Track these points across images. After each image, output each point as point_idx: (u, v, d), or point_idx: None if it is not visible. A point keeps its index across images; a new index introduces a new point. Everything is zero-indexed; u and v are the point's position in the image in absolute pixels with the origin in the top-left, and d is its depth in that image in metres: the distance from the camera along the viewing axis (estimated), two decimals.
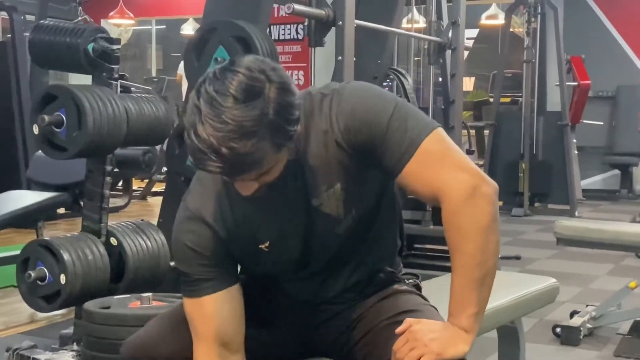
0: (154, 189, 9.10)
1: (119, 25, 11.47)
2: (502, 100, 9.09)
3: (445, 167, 1.47)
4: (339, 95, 1.50)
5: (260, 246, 1.55)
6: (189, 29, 11.60)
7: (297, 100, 1.40)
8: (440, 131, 1.50)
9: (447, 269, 4.38)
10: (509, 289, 2.34)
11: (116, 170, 3.28)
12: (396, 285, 1.68)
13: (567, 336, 3.54)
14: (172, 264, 3.29)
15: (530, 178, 8.11)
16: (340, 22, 3.68)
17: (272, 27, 5.34)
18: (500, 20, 9.32)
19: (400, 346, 1.45)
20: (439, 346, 1.42)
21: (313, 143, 1.49)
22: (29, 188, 5.91)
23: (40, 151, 5.53)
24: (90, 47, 3.02)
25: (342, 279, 1.64)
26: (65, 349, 3.10)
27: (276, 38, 5.65)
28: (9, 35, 7.16)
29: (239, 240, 1.55)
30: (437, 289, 1.80)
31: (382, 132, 1.47)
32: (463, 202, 1.45)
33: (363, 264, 1.64)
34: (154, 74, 12.90)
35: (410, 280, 1.73)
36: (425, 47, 5.46)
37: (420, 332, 1.44)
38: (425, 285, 1.79)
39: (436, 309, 1.63)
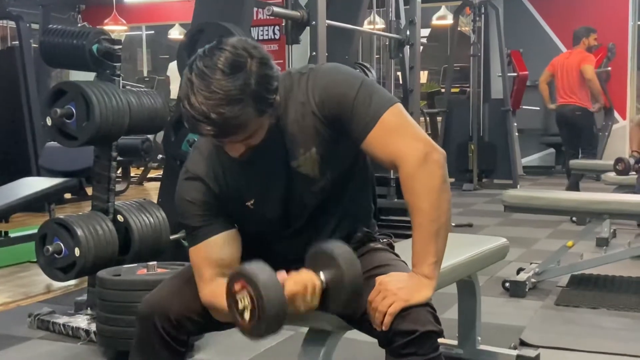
0: (149, 175, 9.06)
1: (113, 31, 11.29)
2: (452, 90, 9.17)
3: (402, 137, 1.50)
4: (314, 73, 1.55)
5: (246, 204, 1.59)
6: (175, 33, 11.49)
7: (276, 72, 1.45)
8: (400, 106, 1.54)
9: (410, 237, 4.42)
10: (466, 248, 2.38)
11: (119, 158, 3.27)
12: (372, 244, 1.71)
13: (515, 289, 3.60)
14: (171, 237, 3.31)
15: (478, 157, 8.19)
16: (314, 22, 3.70)
17: (252, 28, 5.33)
18: (449, 21, 9.36)
19: (374, 297, 1.48)
20: (406, 293, 1.46)
21: (292, 113, 1.54)
22: (39, 175, 5.87)
23: (49, 142, 5.55)
24: (94, 47, 3.00)
25: (325, 237, 1.65)
26: (81, 314, 3.11)
27: (256, 38, 5.64)
28: (16, 42, 7.06)
29: (229, 197, 1.59)
30: (407, 246, 1.83)
31: (350, 104, 1.51)
32: (417, 167, 1.48)
33: (342, 224, 1.67)
34: (145, 75, 12.78)
35: (385, 240, 1.76)
36: (387, 43, 5.48)
37: (390, 284, 1.48)
38: (397, 245, 1.82)
39: (406, 263, 1.66)
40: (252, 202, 1.59)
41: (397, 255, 1.72)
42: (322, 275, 1.48)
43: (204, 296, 1.59)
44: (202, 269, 1.59)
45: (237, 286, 1.42)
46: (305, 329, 1.80)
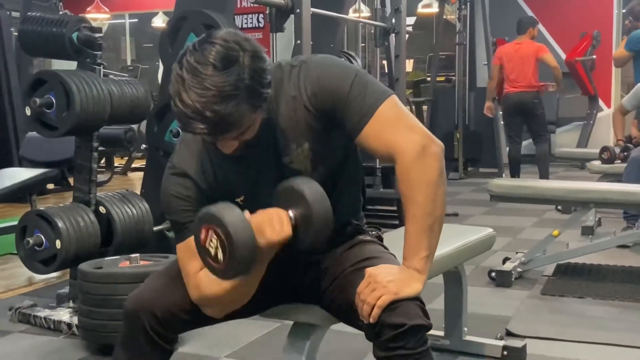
0: (133, 165, 8.99)
1: (96, 19, 11.17)
2: (438, 79, 9.14)
3: (399, 129, 1.47)
4: (306, 65, 1.51)
5: (236, 200, 1.55)
6: (159, 21, 11.38)
7: (268, 65, 1.40)
8: (395, 98, 1.51)
9: (395, 226, 4.41)
10: (453, 239, 2.36)
11: (101, 148, 3.21)
12: (361, 236, 1.68)
13: (501, 279, 3.60)
14: (154, 228, 3.26)
15: (463, 146, 8.20)
16: (298, 10, 3.65)
17: (235, 16, 5.27)
18: (435, 9, 9.32)
19: (363, 289, 1.45)
20: (396, 286, 1.43)
21: (283, 107, 1.49)
22: (20, 166, 5.80)
23: (30, 132, 5.47)
24: (74, 35, 2.94)
25: None
26: (63, 307, 3.07)
27: (239, 26, 5.58)
28: None
29: (218, 193, 1.54)
30: (395, 239, 1.80)
31: (344, 98, 1.47)
32: (414, 159, 1.45)
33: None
34: (128, 63, 12.67)
35: (373, 232, 1.73)
36: (372, 31, 5.44)
37: (380, 276, 1.45)
38: (386, 236, 1.80)
39: (395, 256, 1.63)
40: (242, 198, 1.55)
41: (385, 247, 1.70)
42: (290, 212, 1.45)
43: (192, 291, 1.55)
44: (188, 264, 1.55)
45: (202, 235, 1.40)
46: (290, 322, 1.78)
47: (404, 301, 1.42)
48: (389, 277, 1.44)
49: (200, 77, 1.32)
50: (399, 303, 1.42)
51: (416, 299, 1.44)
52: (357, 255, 1.61)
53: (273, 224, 1.43)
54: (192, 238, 1.52)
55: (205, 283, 1.51)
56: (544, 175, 6.65)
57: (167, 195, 1.56)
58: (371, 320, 1.43)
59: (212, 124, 1.34)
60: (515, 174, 6.81)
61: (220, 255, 1.39)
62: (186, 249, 1.55)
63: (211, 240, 1.39)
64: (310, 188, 1.45)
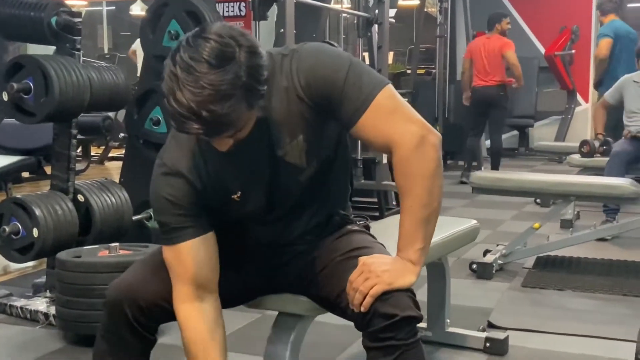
0: (110, 154, 8.89)
1: (72, 6, 10.98)
2: (418, 71, 9.13)
3: (396, 119, 1.44)
4: (298, 54, 1.46)
5: (232, 197, 1.51)
6: (137, 9, 11.23)
7: (265, 61, 1.34)
8: (391, 87, 1.47)
9: (376, 218, 4.37)
10: (438, 230, 2.28)
11: (79, 136, 3.16)
12: (349, 226, 1.66)
13: (482, 271, 3.60)
14: (134, 218, 3.22)
15: (443, 139, 8.16)
16: None
17: (217, 4, 5.21)
18: (416, 1, 9.32)
19: (355, 277, 1.43)
20: (389, 277, 1.41)
21: (275, 99, 1.45)
22: None
23: (6, 119, 5.37)
24: (53, 20, 2.89)
25: (304, 222, 1.61)
26: (39, 296, 3.02)
27: (221, 15, 5.51)
28: None
29: (212, 191, 1.50)
30: (383, 228, 1.79)
31: (339, 87, 1.43)
32: (412, 150, 1.43)
33: (321, 207, 1.62)
34: (105, 52, 12.51)
35: (361, 222, 1.72)
36: (355, 22, 5.41)
37: (374, 265, 1.43)
38: (373, 226, 1.78)
39: (384, 246, 1.62)
40: (238, 194, 1.50)
41: (374, 237, 1.68)
42: None
43: (177, 310, 1.51)
44: (178, 274, 1.50)
45: None
46: (272, 312, 1.75)
47: (396, 292, 1.41)
48: (383, 267, 1.42)
49: (194, 75, 1.26)
50: (391, 294, 1.40)
51: (408, 290, 1.43)
52: (346, 245, 1.59)
53: None
54: (182, 246, 1.48)
55: (190, 323, 1.51)
56: (495, 166, 6.97)
57: (158, 197, 1.49)
58: (362, 309, 1.41)
59: (208, 124, 1.28)
60: (470, 166, 7.05)
61: None
62: (175, 254, 1.50)
63: None
64: None
